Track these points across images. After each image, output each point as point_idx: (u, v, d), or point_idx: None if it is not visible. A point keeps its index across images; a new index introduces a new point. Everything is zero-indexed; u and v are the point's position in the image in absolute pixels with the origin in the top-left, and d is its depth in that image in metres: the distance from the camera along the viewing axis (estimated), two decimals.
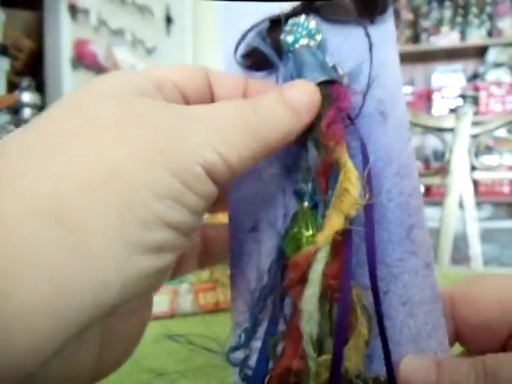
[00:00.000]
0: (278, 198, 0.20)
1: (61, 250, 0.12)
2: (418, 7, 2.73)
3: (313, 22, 0.20)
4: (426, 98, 2.62)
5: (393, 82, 0.19)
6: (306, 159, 0.19)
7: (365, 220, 0.17)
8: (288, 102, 0.17)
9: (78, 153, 0.13)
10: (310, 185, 0.18)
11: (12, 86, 1.78)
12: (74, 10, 1.96)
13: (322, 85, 0.18)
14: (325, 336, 0.16)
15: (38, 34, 1.96)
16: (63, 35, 1.94)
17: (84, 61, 2.00)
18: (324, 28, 0.20)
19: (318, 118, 0.18)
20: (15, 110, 1.58)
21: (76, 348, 0.14)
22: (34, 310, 0.11)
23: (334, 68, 0.19)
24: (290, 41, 0.20)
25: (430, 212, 2.33)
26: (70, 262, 0.12)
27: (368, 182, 0.17)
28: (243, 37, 0.21)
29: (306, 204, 0.18)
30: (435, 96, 2.60)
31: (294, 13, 0.20)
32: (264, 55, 0.21)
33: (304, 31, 0.20)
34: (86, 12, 2.00)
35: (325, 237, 0.16)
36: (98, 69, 2.07)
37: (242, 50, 0.22)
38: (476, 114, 2.08)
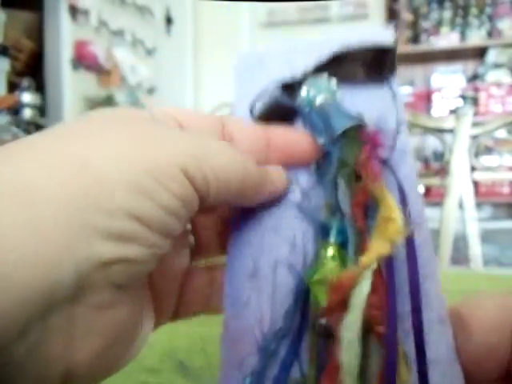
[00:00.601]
0: (290, 238, 0.19)
1: (16, 223, 0.12)
2: (417, 8, 2.73)
3: (334, 80, 0.20)
4: (425, 99, 2.62)
5: (403, 136, 0.19)
6: (332, 195, 0.18)
7: (407, 252, 0.17)
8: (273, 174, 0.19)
9: (53, 149, 0.14)
10: (337, 221, 0.18)
11: (12, 87, 1.78)
12: (74, 11, 1.96)
13: (353, 130, 0.19)
14: (366, 371, 0.15)
15: (38, 34, 1.96)
16: (63, 36, 1.94)
17: (84, 61, 2.00)
18: (347, 90, 0.21)
19: (350, 156, 0.18)
20: (15, 110, 1.58)
21: (41, 336, 0.13)
22: None
23: (360, 116, 0.19)
24: (311, 96, 0.20)
25: (430, 212, 2.32)
26: (24, 236, 0.12)
27: (407, 214, 0.17)
28: (259, 97, 0.21)
29: (332, 240, 0.18)
30: (435, 97, 2.60)
31: (305, 77, 0.21)
32: (281, 112, 0.21)
33: (325, 88, 0.20)
34: (86, 13, 2.00)
35: (369, 259, 0.15)
36: (98, 69, 2.07)
37: (257, 110, 0.21)
38: (476, 114, 2.08)
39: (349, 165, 0.18)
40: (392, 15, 2.72)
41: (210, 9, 2.74)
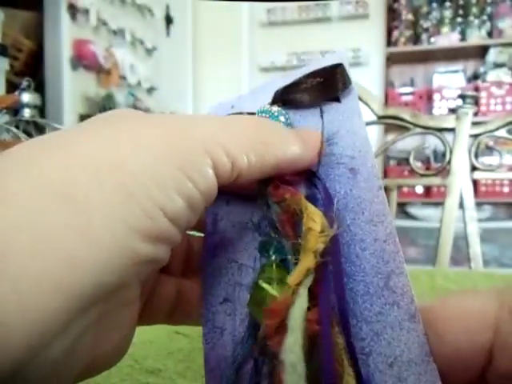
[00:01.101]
0: (249, 263, 0.20)
1: (68, 228, 0.13)
2: (418, 8, 2.72)
3: (275, 107, 0.22)
4: (426, 99, 2.62)
5: (361, 143, 0.20)
6: (270, 213, 0.19)
7: (332, 252, 0.17)
8: (298, 134, 0.19)
9: (86, 146, 0.15)
10: (275, 239, 0.18)
11: (11, 86, 1.78)
12: (73, 10, 1.96)
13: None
14: None
15: (37, 34, 1.96)
16: (63, 35, 1.94)
17: (84, 61, 2.00)
18: (297, 114, 0.22)
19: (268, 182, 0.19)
20: (15, 110, 1.58)
21: (78, 334, 0.14)
22: (40, 282, 0.12)
23: None
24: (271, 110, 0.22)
25: (431, 212, 2.34)
26: (75, 239, 0.13)
27: (332, 216, 0.17)
28: None
29: (273, 258, 0.18)
30: (435, 96, 2.60)
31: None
32: None
33: (267, 114, 0.21)
34: (85, 12, 2.00)
35: (296, 277, 0.15)
36: (97, 69, 2.07)
37: None
38: (476, 114, 2.08)
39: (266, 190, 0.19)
40: (392, 15, 2.72)
41: (210, 8, 2.74)
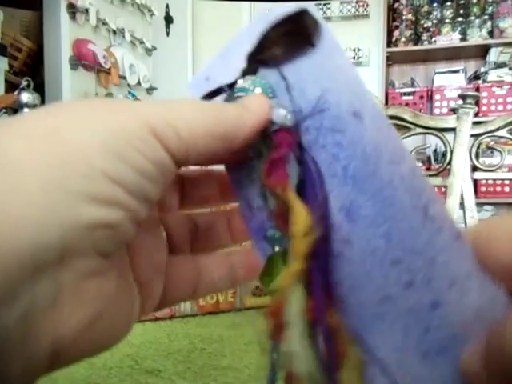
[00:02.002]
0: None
1: (1, 192, 0.13)
2: (418, 7, 2.72)
3: (247, 81, 0.21)
4: (426, 99, 2.62)
5: (353, 83, 0.19)
6: (268, 204, 0.19)
7: (320, 238, 0.17)
8: (238, 103, 0.19)
9: (28, 118, 0.15)
10: (277, 231, 0.19)
11: (11, 86, 1.78)
12: (73, 10, 1.96)
13: (269, 135, 0.19)
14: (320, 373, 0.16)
15: (37, 33, 1.96)
16: (62, 35, 1.93)
17: (83, 60, 1.99)
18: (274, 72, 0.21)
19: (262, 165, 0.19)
20: (14, 109, 1.58)
21: (30, 303, 0.14)
22: None
23: (287, 114, 0.20)
24: (247, 88, 0.21)
25: None
26: (9, 197, 0.13)
27: (321, 216, 0.18)
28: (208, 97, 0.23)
29: (277, 249, 0.19)
30: (436, 96, 2.60)
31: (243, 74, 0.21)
32: None
33: (243, 92, 0.20)
34: (85, 12, 2.00)
35: (282, 282, 0.16)
36: (97, 69, 2.07)
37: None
38: (477, 114, 2.08)
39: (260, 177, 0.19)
40: (392, 15, 2.72)
41: (210, 8, 2.73)
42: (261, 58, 0.21)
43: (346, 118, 0.19)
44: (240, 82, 0.21)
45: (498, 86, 2.47)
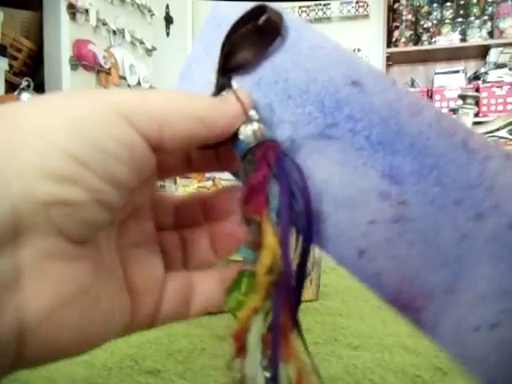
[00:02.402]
0: None
1: None
2: (418, 8, 2.72)
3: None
4: (426, 99, 2.61)
5: (337, 54, 0.19)
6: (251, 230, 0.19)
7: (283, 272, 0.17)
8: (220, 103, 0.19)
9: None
10: (252, 252, 0.19)
11: (11, 87, 1.78)
12: (73, 10, 1.96)
13: (250, 152, 0.19)
14: None
15: (37, 34, 1.96)
16: (62, 35, 1.93)
17: (83, 61, 1.99)
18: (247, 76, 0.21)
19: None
20: None
21: None
22: None
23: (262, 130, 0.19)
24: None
25: None
26: None
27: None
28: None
29: (248, 268, 0.19)
30: (436, 97, 2.60)
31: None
32: None
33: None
34: (85, 12, 2.00)
35: (244, 315, 0.17)
36: (97, 69, 2.07)
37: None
38: (477, 114, 2.08)
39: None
40: (392, 15, 2.72)
41: (210, 8, 2.74)
42: (231, 65, 0.20)
43: (345, 90, 0.19)
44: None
45: (497, 87, 2.47)
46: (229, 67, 0.20)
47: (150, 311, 0.20)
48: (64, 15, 1.93)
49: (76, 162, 0.14)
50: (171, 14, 2.64)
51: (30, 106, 0.15)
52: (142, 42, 2.37)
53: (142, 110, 0.16)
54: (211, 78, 0.20)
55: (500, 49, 2.53)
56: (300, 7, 2.73)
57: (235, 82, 0.20)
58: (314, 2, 2.73)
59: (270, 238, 0.17)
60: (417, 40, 2.69)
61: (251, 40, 0.20)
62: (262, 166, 0.18)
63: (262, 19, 0.19)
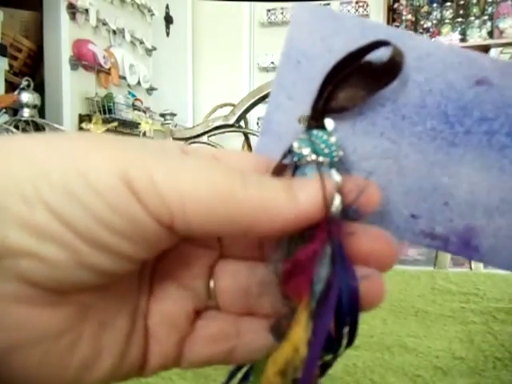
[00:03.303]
0: None
1: None
2: (418, 8, 2.72)
3: (333, 138, 0.17)
4: None
5: (453, 54, 0.18)
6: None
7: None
8: (292, 188, 0.15)
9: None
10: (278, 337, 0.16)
11: (11, 86, 1.78)
12: (73, 10, 1.96)
13: None
14: None
15: (37, 33, 1.96)
16: (62, 35, 1.93)
17: (83, 61, 1.99)
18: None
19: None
20: (14, 110, 1.58)
21: None
22: None
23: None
24: (298, 152, 0.17)
25: None
26: None
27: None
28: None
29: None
30: None
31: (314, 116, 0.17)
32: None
33: (321, 145, 0.17)
34: (85, 12, 2.00)
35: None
36: (97, 69, 2.07)
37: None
38: None
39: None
40: (392, 15, 2.72)
41: (210, 9, 2.73)
42: (330, 109, 0.17)
43: (470, 92, 0.17)
44: (295, 145, 0.17)
45: None
46: (325, 110, 0.17)
47: (167, 350, 0.18)
48: (64, 15, 1.93)
49: (60, 221, 0.13)
50: (171, 13, 2.63)
51: (33, 145, 0.14)
52: (141, 42, 2.37)
53: (154, 191, 0.13)
54: (296, 125, 0.18)
55: (500, 49, 2.53)
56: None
57: (330, 124, 0.17)
58: (314, 2, 2.73)
59: (299, 333, 0.14)
60: None
61: (362, 80, 0.17)
62: (316, 241, 0.15)
63: (386, 58, 0.16)
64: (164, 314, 0.18)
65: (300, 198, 0.15)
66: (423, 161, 0.18)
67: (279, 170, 0.17)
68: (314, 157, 0.16)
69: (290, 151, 0.17)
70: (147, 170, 0.14)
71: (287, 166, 0.17)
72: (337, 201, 0.15)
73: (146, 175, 0.14)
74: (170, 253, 0.18)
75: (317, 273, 0.15)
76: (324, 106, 0.17)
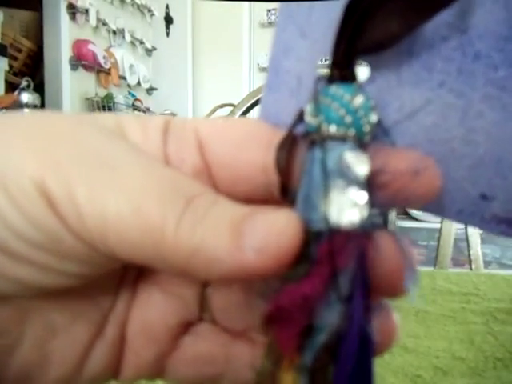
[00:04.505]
0: None
1: None
2: None
3: (359, 99, 0.12)
4: None
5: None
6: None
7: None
8: (241, 233, 0.11)
9: None
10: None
11: (11, 87, 1.78)
12: (73, 10, 1.96)
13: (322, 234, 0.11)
14: None
15: (37, 34, 1.96)
16: (62, 35, 1.93)
17: (83, 61, 2.00)
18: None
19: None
20: (14, 110, 1.58)
21: None
22: None
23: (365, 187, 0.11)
24: (313, 125, 0.12)
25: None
26: None
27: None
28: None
29: None
30: None
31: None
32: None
33: (342, 110, 0.12)
34: (85, 12, 2.00)
35: None
36: (97, 69, 2.07)
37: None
38: None
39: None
40: None
41: (210, 9, 2.73)
42: (361, 46, 0.12)
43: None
44: (308, 112, 0.12)
45: None
46: (353, 51, 0.12)
47: (141, 362, 0.16)
48: (64, 15, 1.93)
49: None
50: (171, 14, 2.64)
51: None
52: (141, 42, 2.37)
53: (73, 207, 0.11)
54: (316, 73, 0.13)
55: None
56: None
57: (362, 73, 0.12)
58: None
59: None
60: None
61: (401, 5, 0.11)
62: (324, 265, 0.11)
63: None
64: (144, 323, 0.16)
65: (246, 246, 0.11)
66: (505, 122, 0.12)
67: (288, 146, 0.13)
68: (332, 129, 0.11)
69: (301, 118, 0.12)
70: (67, 180, 0.11)
71: (300, 140, 0.12)
72: (353, 214, 0.11)
73: (64, 186, 0.11)
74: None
75: (319, 318, 0.11)
76: (351, 45, 0.11)
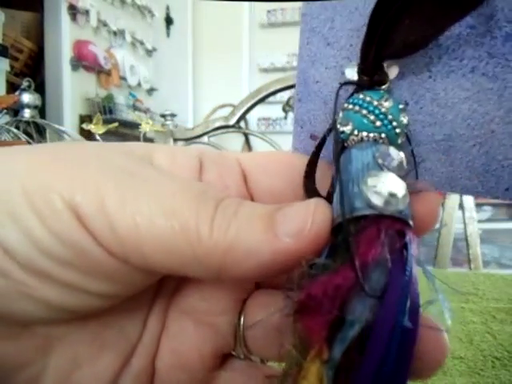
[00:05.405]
0: None
1: None
2: None
3: (388, 103, 0.12)
4: None
5: None
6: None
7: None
8: (275, 223, 0.11)
9: None
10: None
11: (12, 87, 1.78)
12: (74, 11, 1.96)
13: (356, 222, 0.11)
14: None
15: (37, 34, 1.96)
16: (63, 36, 1.94)
17: (84, 62, 2.00)
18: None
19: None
20: (15, 110, 1.58)
21: None
22: None
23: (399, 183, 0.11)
24: (345, 132, 0.12)
25: None
26: None
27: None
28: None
29: None
30: None
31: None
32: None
33: (371, 115, 0.12)
34: (86, 13, 2.00)
35: None
36: (97, 70, 2.07)
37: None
38: None
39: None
40: None
41: (210, 9, 2.74)
42: (389, 51, 0.11)
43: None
44: (339, 120, 0.12)
45: None
46: (381, 56, 0.12)
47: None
48: (65, 16, 1.93)
49: (4, 253, 0.11)
50: (171, 15, 2.63)
51: None
52: (142, 43, 2.37)
53: (104, 219, 0.11)
54: (341, 78, 0.13)
55: None
56: (299, 8, 2.72)
57: (393, 72, 0.12)
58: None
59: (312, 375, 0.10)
60: None
61: (429, 9, 0.11)
62: (361, 255, 0.10)
63: None
64: (176, 354, 0.15)
65: (281, 233, 0.11)
66: None
67: (312, 171, 0.13)
68: (363, 135, 0.12)
69: (333, 126, 0.12)
70: (96, 191, 0.11)
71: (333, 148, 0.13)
72: (397, 199, 0.10)
73: (94, 198, 0.11)
74: (190, 280, 0.15)
75: (351, 311, 0.10)
76: (378, 52, 0.11)
